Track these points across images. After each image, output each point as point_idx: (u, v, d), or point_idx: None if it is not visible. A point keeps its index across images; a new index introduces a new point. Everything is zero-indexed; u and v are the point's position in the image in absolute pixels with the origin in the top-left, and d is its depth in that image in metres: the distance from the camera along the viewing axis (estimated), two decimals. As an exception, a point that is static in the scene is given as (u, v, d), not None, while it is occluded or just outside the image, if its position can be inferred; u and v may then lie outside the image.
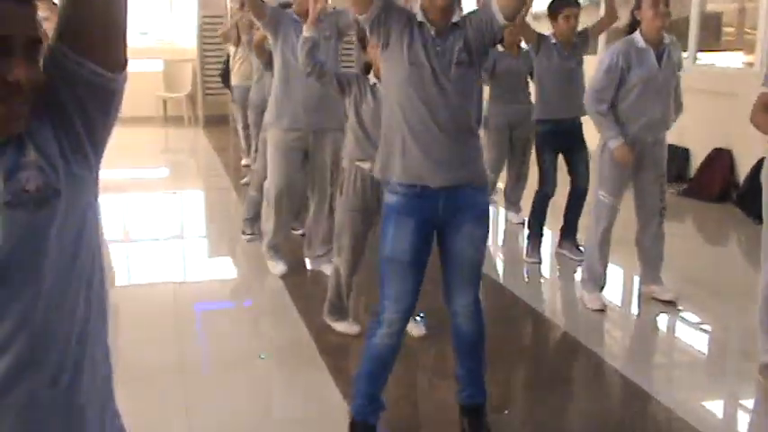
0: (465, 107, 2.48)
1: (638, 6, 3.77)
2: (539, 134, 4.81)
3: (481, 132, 5.74)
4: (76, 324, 1.14)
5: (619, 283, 4.53)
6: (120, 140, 7.19)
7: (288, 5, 4.31)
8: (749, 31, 8.04)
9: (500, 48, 5.26)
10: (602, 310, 4.01)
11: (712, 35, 11.26)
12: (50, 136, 1.11)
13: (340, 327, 3.64)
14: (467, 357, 2.72)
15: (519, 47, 5.38)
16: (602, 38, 7.17)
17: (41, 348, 1.10)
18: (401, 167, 2.47)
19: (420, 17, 2.44)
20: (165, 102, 10.75)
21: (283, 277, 4.39)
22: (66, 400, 1.14)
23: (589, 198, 4.53)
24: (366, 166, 3.27)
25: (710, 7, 11.16)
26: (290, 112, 4.14)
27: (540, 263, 4.85)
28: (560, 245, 4.94)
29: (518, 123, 5.40)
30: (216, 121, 10.24)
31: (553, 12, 4.66)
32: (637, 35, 3.77)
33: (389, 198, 2.54)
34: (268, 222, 4.47)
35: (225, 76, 8.03)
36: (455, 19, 2.45)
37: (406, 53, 2.40)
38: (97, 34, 1.13)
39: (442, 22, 2.43)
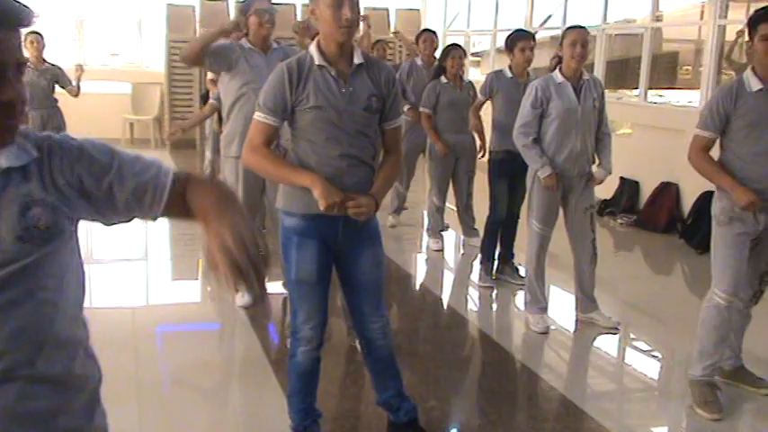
0: (366, 145, 2.62)
1: (561, 44, 4.06)
2: (492, 162, 5.01)
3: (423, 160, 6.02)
4: (66, 329, 1.29)
5: (566, 307, 4.74)
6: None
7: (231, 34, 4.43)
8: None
9: (443, 80, 5.50)
10: (545, 333, 4.21)
11: (668, 73, 11.73)
12: (65, 179, 1.26)
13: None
14: (391, 377, 2.87)
15: (461, 78, 5.62)
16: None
17: (36, 351, 1.24)
18: (305, 201, 2.57)
19: (318, 60, 2.54)
20: (131, 124, 10.82)
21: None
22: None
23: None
24: None
25: (667, 47, 11.66)
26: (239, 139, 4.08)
27: (494, 287, 5.05)
28: (501, 270, 5.15)
29: (462, 153, 5.61)
30: (182, 145, 10.33)
31: (509, 45, 4.92)
32: (556, 72, 4.06)
33: (288, 221, 2.65)
34: None
35: (205, 97, 8.13)
36: (358, 60, 2.57)
37: (312, 99, 2.52)
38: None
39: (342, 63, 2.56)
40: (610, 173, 4.25)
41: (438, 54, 6.05)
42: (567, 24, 8.27)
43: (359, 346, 3.70)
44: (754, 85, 3.14)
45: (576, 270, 4.28)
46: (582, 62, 4.03)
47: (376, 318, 2.76)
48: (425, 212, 6.07)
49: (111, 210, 1.33)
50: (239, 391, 3.53)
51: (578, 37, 3.97)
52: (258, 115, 2.56)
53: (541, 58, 9.79)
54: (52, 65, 6.46)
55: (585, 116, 4.06)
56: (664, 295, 5.22)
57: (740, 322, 3.44)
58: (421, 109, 5.57)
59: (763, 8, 3.17)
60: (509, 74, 4.94)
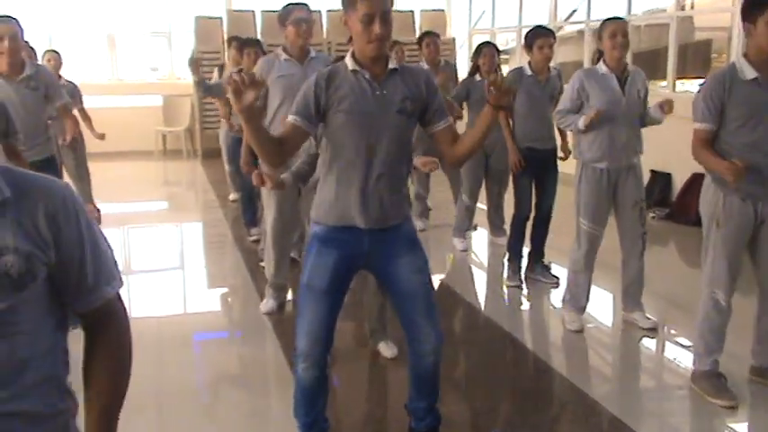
0: (400, 154, 2.59)
1: (600, 38, 4.01)
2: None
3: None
4: (42, 369, 1.31)
5: (603, 307, 4.67)
6: (120, 174, 7.52)
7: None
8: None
9: (477, 77, 5.47)
10: (580, 331, 4.17)
11: (702, 62, 11.50)
12: (38, 229, 1.24)
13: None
14: (428, 392, 2.83)
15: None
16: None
17: (8, 390, 1.25)
18: (332, 212, 2.59)
19: (352, 66, 2.53)
20: (164, 136, 11.00)
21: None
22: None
23: (569, 223, 4.68)
24: None
25: (700, 35, 11.43)
26: None
27: (520, 286, 5.01)
28: (531, 269, 5.10)
29: (493, 151, 5.58)
30: (214, 154, 10.46)
31: (528, 42, 4.88)
32: (600, 64, 4.00)
33: (314, 227, 2.66)
34: (269, 263, 4.51)
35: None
36: (392, 66, 2.56)
37: (345, 102, 2.51)
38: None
39: (377, 68, 2.53)
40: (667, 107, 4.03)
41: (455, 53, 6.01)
42: (592, 18, 8.20)
43: (383, 351, 3.72)
44: (749, 73, 3.05)
45: (625, 267, 4.20)
46: (624, 52, 3.98)
47: (430, 330, 2.67)
48: (455, 212, 6.03)
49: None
50: (259, 400, 3.55)
51: (618, 27, 3.92)
52: (289, 117, 2.55)
53: (568, 53, 9.72)
54: (68, 82, 6.52)
55: (631, 107, 4.00)
56: (700, 289, 5.10)
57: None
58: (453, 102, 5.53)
59: None
60: (529, 71, 4.90)
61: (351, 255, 2.62)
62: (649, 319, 4.21)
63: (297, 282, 4.65)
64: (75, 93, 6.37)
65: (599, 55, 4.08)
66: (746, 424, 3.34)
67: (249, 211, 6.08)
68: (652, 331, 4.16)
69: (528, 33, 4.94)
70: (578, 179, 4.11)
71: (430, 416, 2.86)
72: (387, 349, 3.69)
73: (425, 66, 6.13)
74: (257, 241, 5.83)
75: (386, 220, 2.61)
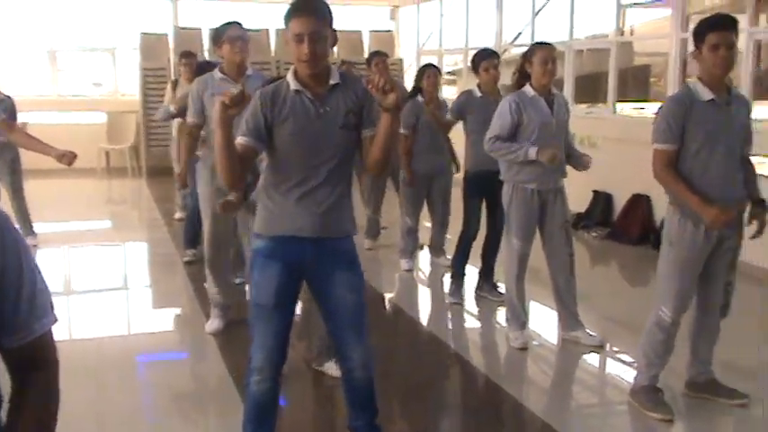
0: (342, 167, 2.64)
1: (528, 61, 4.07)
2: (468, 181, 5.04)
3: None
4: None
5: (549, 324, 4.73)
6: (61, 192, 7.31)
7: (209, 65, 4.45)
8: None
9: (419, 99, 5.53)
10: (524, 348, 4.23)
11: (641, 86, 11.86)
12: None
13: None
14: (365, 409, 2.84)
15: (438, 100, 5.66)
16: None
17: None
18: (273, 223, 2.63)
19: (294, 85, 2.56)
20: (107, 153, 10.80)
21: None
22: None
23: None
24: None
25: (640, 60, 11.80)
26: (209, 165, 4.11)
27: (462, 303, 5.06)
28: (480, 287, 5.17)
29: (437, 174, 5.65)
30: (159, 172, 10.31)
31: (474, 65, 4.97)
32: (528, 87, 4.08)
33: (256, 242, 2.68)
34: (210, 285, 4.48)
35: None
36: (333, 81, 2.59)
37: (290, 123, 2.55)
38: None
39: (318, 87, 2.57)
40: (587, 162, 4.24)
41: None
42: (536, 41, 8.40)
43: (329, 371, 3.71)
44: (705, 95, 3.15)
45: (554, 286, 4.27)
46: (552, 78, 4.08)
47: (356, 346, 2.72)
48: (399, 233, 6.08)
49: None
50: (205, 421, 3.50)
51: (548, 54, 4.02)
52: (239, 139, 2.56)
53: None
54: (6, 96, 6.23)
55: (560, 129, 4.12)
56: (642, 308, 5.20)
57: (709, 336, 3.48)
58: (401, 131, 5.61)
59: (709, 17, 3.20)
60: (478, 93, 4.97)
61: (293, 263, 2.64)
62: (593, 336, 4.27)
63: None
64: (9, 107, 6.08)
65: (519, 76, 4.13)
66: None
67: (190, 231, 5.98)
68: (597, 348, 4.21)
69: (474, 56, 5.03)
70: (509, 200, 4.18)
71: None
72: (334, 369, 3.68)
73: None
74: (190, 263, 5.79)
75: (327, 230, 2.64)
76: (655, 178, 3.28)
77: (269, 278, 2.62)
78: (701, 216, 3.15)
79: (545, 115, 4.05)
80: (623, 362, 4.23)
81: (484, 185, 4.92)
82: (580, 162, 4.24)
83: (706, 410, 3.49)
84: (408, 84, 9.68)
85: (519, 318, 4.30)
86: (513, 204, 4.16)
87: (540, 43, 4.16)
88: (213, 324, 4.44)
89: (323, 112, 2.57)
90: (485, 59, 4.90)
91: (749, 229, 3.40)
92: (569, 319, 4.30)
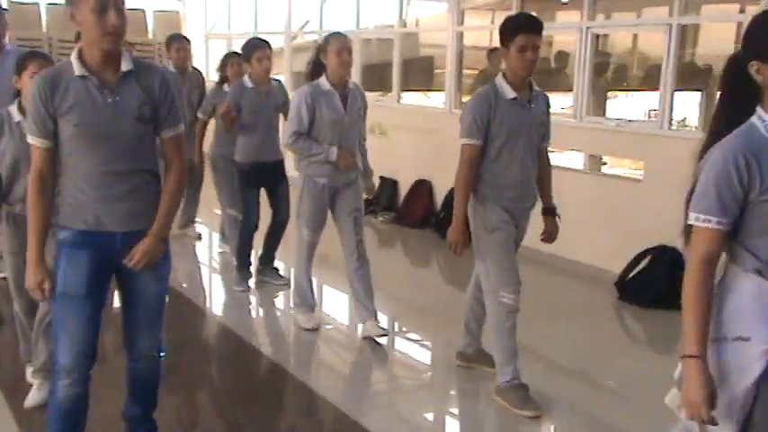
0: (141, 159, 2.46)
1: (323, 51, 4.02)
2: (241, 173, 4.94)
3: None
4: None
5: (341, 309, 4.83)
6: None
7: None
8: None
9: (225, 87, 5.38)
10: (315, 329, 4.29)
11: (426, 76, 12.43)
12: None
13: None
14: (145, 400, 2.75)
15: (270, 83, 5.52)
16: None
17: None
18: (75, 216, 2.44)
19: (79, 70, 2.33)
20: None
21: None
22: None
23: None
24: None
25: (425, 51, 12.33)
26: None
27: (248, 291, 5.04)
28: (260, 272, 5.16)
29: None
30: None
31: (246, 55, 4.81)
32: (322, 79, 4.04)
33: (61, 233, 2.46)
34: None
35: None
36: (126, 67, 2.39)
37: (74, 113, 2.33)
38: None
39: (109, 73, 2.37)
40: (371, 175, 4.39)
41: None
42: (325, 29, 8.49)
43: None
44: (509, 93, 3.26)
45: (348, 273, 4.23)
46: (348, 68, 4.07)
47: (148, 335, 2.62)
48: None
49: None
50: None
51: (344, 45, 3.97)
52: (29, 139, 2.36)
53: (304, 63, 9.95)
54: None
55: (352, 124, 4.11)
56: (427, 288, 5.49)
57: (482, 312, 3.59)
58: (199, 115, 5.48)
59: (517, 17, 3.30)
60: (249, 84, 4.83)
61: (104, 257, 2.45)
62: (382, 328, 4.18)
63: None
64: None
65: (313, 66, 4.07)
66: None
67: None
68: (381, 336, 4.18)
69: (244, 46, 4.87)
70: (300, 191, 4.19)
71: (146, 425, 2.77)
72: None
73: (173, 70, 5.88)
74: None
75: (133, 224, 2.47)
76: (457, 175, 3.32)
77: (79, 266, 2.42)
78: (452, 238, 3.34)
79: (336, 111, 4.03)
80: (412, 340, 4.42)
81: (259, 176, 4.89)
82: (363, 178, 4.31)
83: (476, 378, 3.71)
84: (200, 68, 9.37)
85: (308, 301, 4.35)
86: (305, 196, 4.17)
87: (335, 33, 4.07)
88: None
89: (112, 101, 2.35)
90: (258, 49, 4.76)
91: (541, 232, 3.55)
92: (360, 308, 4.24)
